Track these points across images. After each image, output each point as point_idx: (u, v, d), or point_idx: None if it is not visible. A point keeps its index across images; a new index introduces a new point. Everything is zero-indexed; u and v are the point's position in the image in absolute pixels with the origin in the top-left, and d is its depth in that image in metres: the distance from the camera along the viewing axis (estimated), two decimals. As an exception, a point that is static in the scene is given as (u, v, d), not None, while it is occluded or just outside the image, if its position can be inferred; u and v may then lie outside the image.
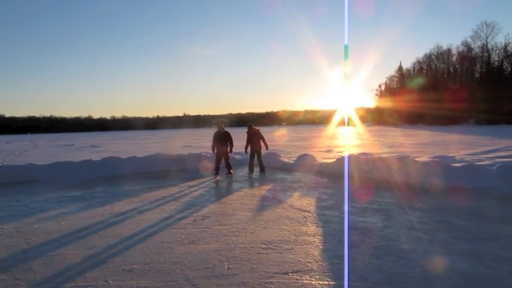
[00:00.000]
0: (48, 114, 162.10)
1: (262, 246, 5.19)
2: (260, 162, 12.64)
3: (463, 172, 9.29)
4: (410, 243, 5.20)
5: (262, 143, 12.73)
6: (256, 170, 12.80)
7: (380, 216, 6.67)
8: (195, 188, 10.07)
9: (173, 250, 5.13)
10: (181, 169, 13.71)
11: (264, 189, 9.78)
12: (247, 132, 12.80)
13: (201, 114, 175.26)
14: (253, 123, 13.14)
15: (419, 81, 73.36)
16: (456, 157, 13.87)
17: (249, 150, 12.77)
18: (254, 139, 12.68)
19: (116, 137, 62.34)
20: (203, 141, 37.54)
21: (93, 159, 13.84)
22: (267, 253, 4.92)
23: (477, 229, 5.76)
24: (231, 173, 12.31)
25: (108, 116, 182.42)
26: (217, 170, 12.36)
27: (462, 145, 22.63)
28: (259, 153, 12.69)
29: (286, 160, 14.53)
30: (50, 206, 8.18)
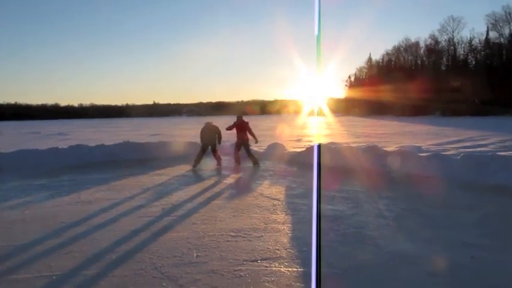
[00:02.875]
0: (12, 101, 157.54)
1: (232, 234, 5.19)
2: (250, 154, 12.06)
3: (429, 161, 9.51)
4: (378, 230, 5.29)
5: (249, 135, 12.20)
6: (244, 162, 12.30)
7: (348, 204, 6.76)
8: (164, 177, 9.97)
9: (141, 238, 5.08)
10: (151, 158, 13.53)
11: (233, 178, 9.77)
12: (236, 122, 12.18)
13: (172, 103, 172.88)
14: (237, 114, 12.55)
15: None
16: (423, 147, 14.18)
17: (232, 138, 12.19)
18: (242, 130, 12.08)
19: (84, 125, 61.12)
20: (174, 129, 37.24)
21: (60, 147, 13.54)
22: (236, 241, 4.93)
23: (442, 216, 5.91)
24: (221, 164, 11.91)
25: (75, 103, 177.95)
26: (198, 162, 11.78)
27: (428, 135, 23.12)
28: (246, 144, 12.11)
29: (256, 149, 14.50)
30: (14, 195, 7.96)
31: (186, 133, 27.41)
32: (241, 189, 8.41)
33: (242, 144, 12.09)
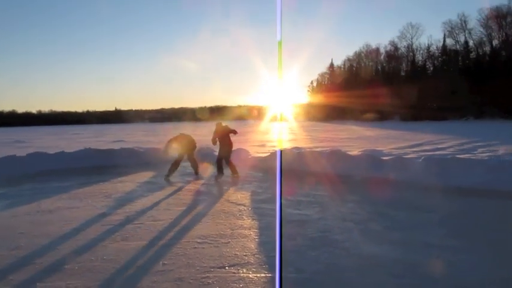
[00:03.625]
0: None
1: (198, 241, 5.12)
2: (231, 163, 11.02)
3: (392, 165, 9.70)
4: (345, 233, 5.34)
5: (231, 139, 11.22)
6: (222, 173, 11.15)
7: (315, 208, 6.80)
8: (127, 184, 9.77)
9: (105, 248, 4.94)
10: (113, 164, 13.23)
11: (198, 184, 9.68)
12: (217, 130, 11.13)
13: (134, 109, 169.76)
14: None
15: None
16: (384, 151, 14.45)
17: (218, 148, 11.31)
18: (225, 139, 11.04)
19: (43, 132, 59.28)
20: (136, 136, 36.65)
21: (18, 155, 13.07)
22: (203, 247, 4.87)
23: (406, 218, 6.03)
24: (198, 172, 11.21)
25: (34, 110, 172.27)
26: (173, 172, 10.87)
27: (389, 140, 23.58)
28: (229, 154, 11.11)
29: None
30: (-31, 205, 7.63)
31: (149, 139, 27.06)
32: (207, 195, 8.34)
33: (227, 154, 11.01)
